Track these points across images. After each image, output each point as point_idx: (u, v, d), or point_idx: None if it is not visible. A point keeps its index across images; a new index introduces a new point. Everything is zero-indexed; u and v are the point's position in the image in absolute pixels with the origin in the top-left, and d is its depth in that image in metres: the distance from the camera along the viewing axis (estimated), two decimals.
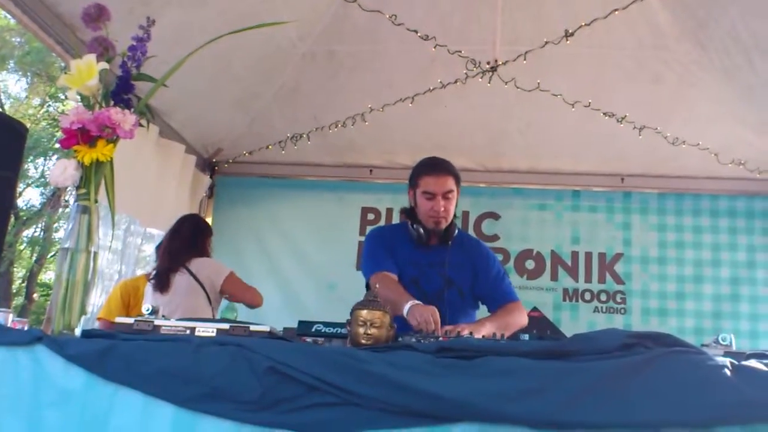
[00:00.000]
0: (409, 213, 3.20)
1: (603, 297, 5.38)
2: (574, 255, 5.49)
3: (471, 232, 5.56)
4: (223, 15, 3.72)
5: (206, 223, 4.44)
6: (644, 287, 5.38)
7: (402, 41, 4.39)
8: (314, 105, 5.09)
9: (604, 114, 4.76)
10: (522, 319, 3.18)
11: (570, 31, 4.17)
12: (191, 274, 4.03)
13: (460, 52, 4.38)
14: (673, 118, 4.84)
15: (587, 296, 5.39)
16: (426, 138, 5.27)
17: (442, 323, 2.84)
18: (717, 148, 5.01)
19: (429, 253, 3.13)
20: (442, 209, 3.06)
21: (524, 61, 4.34)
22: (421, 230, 3.09)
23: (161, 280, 4.03)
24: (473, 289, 3.23)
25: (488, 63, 4.35)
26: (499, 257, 5.48)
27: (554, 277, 5.45)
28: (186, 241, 4.17)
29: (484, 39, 4.31)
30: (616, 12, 4.08)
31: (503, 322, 3.00)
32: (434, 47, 4.34)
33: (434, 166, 3.15)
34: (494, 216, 5.60)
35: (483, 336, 2.69)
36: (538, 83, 4.52)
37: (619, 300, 5.37)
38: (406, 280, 3.06)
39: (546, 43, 4.27)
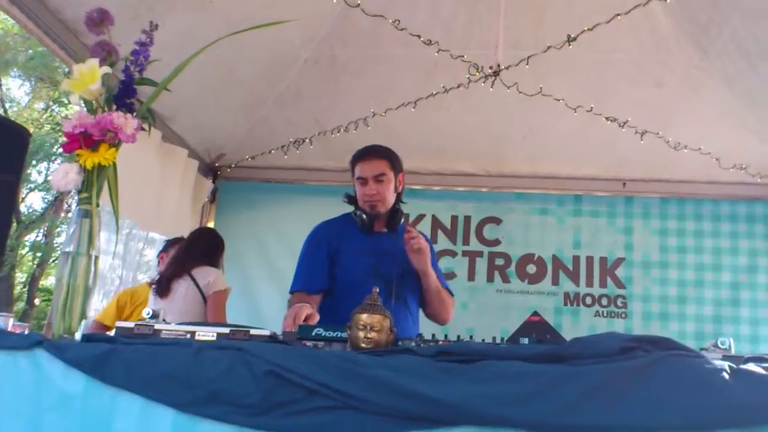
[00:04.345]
0: (352, 201, 3.17)
1: (604, 301, 5.39)
2: (576, 259, 5.50)
3: (473, 236, 5.59)
4: (227, 20, 3.73)
5: (220, 237, 4.43)
6: (645, 291, 5.39)
7: (405, 46, 4.40)
8: (317, 109, 5.10)
9: (606, 118, 4.76)
10: (451, 305, 3.25)
11: (572, 36, 4.18)
12: (193, 280, 4.03)
13: (463, 56, 4.39)
14: (675, 123, 4.85)
15: (588, 301, 5.40)
16: (428, 142, 5.29)
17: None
18: (718, 153, 5.01)
19: (381, 239, 3.07)
20: (374, 192, 3.03)
21: (526, 66, 4.35)
22: (364, 216, 3.05)
23: (162, 286, 4.04)
24: None
25: (491, 68, 4.36)
26: (501, 261, 5.51)
27: (555, 281, 5.45)
28: (197, 252, 4.17)
29: (486, 44, 4.33)
30: (619, 17, 4.09)
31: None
32: (437, 52, 4.35)
33: (364, 152, 3.15)
34: (496, 221, 5.61)
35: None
36: (541, 88, 4.53)
37: (620, 304, 5.37)
38: (363, 270, 3.00)
39: (548, 47, 4.28)
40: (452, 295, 3.25)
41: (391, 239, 3.04)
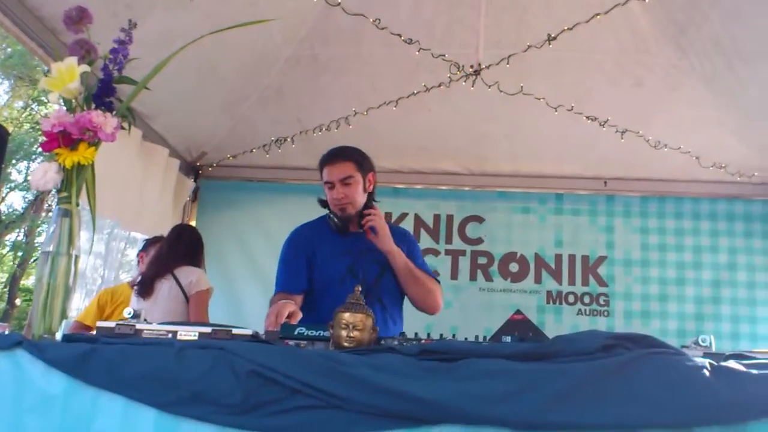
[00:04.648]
0: (325, 204, 3.17)
1: (586, 299, 5.41)
2: (558, 258, 5.51)
3: (455, 234, 5.59)
4: (208, 19, 3.71)
5: (200, 236, 4.43)
6: (627, 290, 5.41)
7: (386, 45, 4.39)
8: (298, 108, 5.08)
9: (586, 118, 4.78)
10: (437, 290, 3.16)
11: (552, 35, 4.19)
12: (176, 280, 4.01)
13: (444, 56, 4.40)
14: (655, 122, 4.87)
15: (571, 299, 5.42)
16: (410, 141, 5.29)
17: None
18: (698, 152, 5.05)
19: (357, 239, 3.06)
20: (342, 196, 3.02)
21: (507, 65, 4.36)
22: (336, 219, 3.06)
23: (145, 286, 4.00)
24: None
25: (472, 67, 4.37)
26: (483, 260, 5.51)
27: (538, 279, 5.47)
28: (179, 252, 4.15)
29: (467, 43, 4.33)
30: (598, 17, 4.10)
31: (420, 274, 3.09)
32: (418, 51, 4.34)
33: (329, 156, 3.13)
34: (478, 219, 5.62)
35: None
36: (521, 87, 4.54)
37: (602, 302, 5.40)
38: (340, 272, 3.02)
39: (529, 47, 4.28)
40: (438, 282, 3.21)
41: (367, 239, 3.03)
